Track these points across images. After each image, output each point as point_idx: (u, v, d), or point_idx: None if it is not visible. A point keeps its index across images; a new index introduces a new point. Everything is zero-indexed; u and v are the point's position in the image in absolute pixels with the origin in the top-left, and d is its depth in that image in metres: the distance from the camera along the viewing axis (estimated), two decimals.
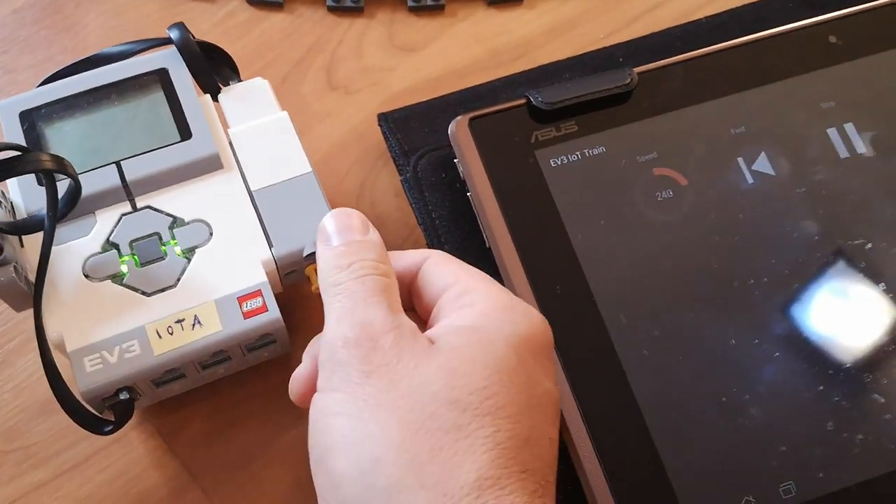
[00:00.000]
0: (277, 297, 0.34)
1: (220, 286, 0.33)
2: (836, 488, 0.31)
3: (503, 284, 0.34)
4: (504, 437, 0.25)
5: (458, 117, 0.36)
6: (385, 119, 0.41)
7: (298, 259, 0.34)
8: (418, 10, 0.46)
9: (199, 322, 0.33)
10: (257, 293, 0.33)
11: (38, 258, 0.32)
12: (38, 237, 0.33)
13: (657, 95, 0.37)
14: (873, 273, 0.34)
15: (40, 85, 0.38)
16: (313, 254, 0.33)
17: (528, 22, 0.46)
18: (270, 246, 0.34)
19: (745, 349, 0.33)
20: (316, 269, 0.33)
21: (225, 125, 0.37)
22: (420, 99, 0.43)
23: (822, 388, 0.32)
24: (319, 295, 0.32)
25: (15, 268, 0.32)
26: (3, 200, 0.34)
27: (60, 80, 0.37)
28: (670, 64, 0.37)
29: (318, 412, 0.27)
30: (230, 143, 0.36)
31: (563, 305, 0.33)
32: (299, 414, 0.37)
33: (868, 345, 0.33)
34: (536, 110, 0.36)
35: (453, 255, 0.37)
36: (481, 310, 0.28)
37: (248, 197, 0.35)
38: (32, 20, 0.46)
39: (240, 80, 0.39)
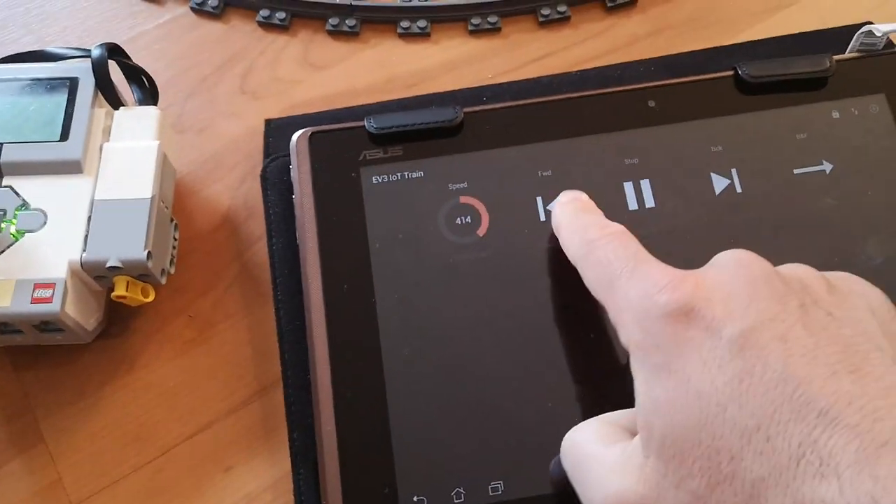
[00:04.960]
0: (117, 301, 0.39)
1: (27, 270, 0.37)
2: (535, 494, 0.35)
3: (301, 279, 0.39)
4: None
5: (301, 130, 0.41)
6: (268, 124, 0.47)
7: (102, 268, 0.38)
8: (335, 33, 0.52)
9: None
10: (51, 286, 0.37)
11: None
12: None
13: (481, 134, 0.41)
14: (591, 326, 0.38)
15: None
16: (115, 267, 0.37)
17: (429, 55, 0.51)
18: (83, 250, 0.38)
19: (489, 367, 0.37)
20: (122, 280, 0.38)
21: (107, 138, 0.41)
22: (313, 111, 0.48)
23: (547, 407, 0.36)
24: (118, 300, 0.38)
25: None
26: None
27: (1, 65, 0.43)
28: (498, 108, 0.41)
29: None
30: (101, 154, 0.41)
31: (346, 303, 0.38)
32: (129, 367, 0.42)
33: (569, 379, 0.37)
34: (370, 133, 0.41)
35: (279, 249, 0.42)
36: None
37: (89, 203, 0.39)
38: (6, 4, 0.53)
39: (155, 104, 0.44)
